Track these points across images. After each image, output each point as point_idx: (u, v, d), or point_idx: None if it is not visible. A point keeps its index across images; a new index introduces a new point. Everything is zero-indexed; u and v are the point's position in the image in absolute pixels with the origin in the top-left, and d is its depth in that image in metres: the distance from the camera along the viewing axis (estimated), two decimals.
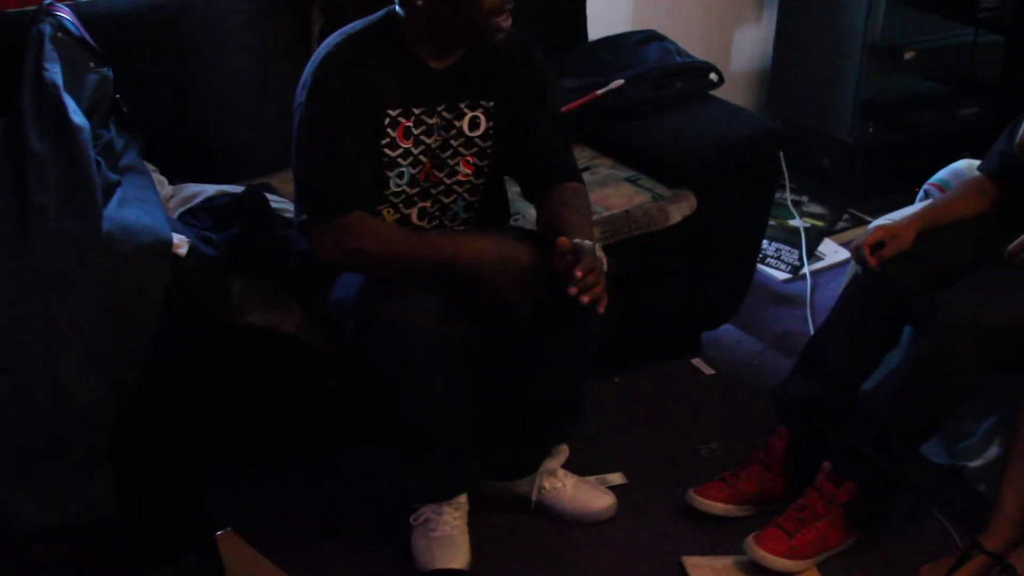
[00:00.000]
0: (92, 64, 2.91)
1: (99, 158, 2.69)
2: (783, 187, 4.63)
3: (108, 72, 2.92)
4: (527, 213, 3.14)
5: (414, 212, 2.84)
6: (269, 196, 3.01)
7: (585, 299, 2.51)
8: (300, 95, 2.67)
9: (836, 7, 4.75)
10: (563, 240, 2.56)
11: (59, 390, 2.49)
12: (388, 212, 2.79)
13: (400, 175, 2.76)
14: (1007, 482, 2.86)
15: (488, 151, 2.85)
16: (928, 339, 2.87)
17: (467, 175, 2.85)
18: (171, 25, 3.21)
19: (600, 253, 2.64)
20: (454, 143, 2.80)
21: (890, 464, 2.92)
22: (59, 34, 2.84)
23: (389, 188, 2.76)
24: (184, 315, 2.64)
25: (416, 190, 2.81)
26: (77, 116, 2.67)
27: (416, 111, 2.73)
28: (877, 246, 3.04)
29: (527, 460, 3.04)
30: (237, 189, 3.03)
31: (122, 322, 2.53)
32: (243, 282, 2.79)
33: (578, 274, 2.50)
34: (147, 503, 2.76)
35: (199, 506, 2.90)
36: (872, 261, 3.01)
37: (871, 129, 4.83)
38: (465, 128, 2.80)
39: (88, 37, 2.96)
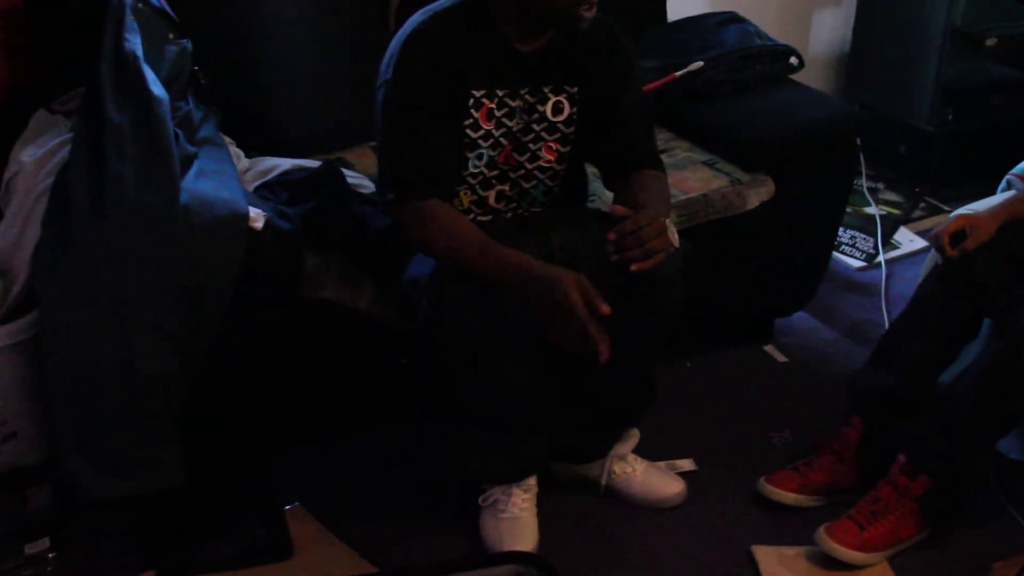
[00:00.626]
0: (171, 36, 2.91)
1: (177, 130, 2.70)
2: (859, 174, 4.58)
3: (187, 44, 2.93)
4: (603, 194, 3.12)
5: (492, 195, 2.82)
6: (345, 171, 3.00)
7: (634, 267, 2.50)
8: (385, 73, 2.66)
9: None
10: (617, 208, 2.56)
11: (129, 362, 2.50)
12: (465, 193, 2.78)
13: (479, 156, 2.74)
14: None
15: (571, 137, 2.83)
16: (1009, 334, 2.82)
17: (549, 161, 2.83)
18: (246, 1, 3.21)
19: (672, 229, 2.62)
20: (536, 127, 2.78)
21: (966, 459, 2.88)
22: (139, 4, 2.84)
23: (467, 169, 2.75)
24: (259, 288, 2.65)
25: (495, 172, 2.79)
26: (156, 87, 2.67)
27: (500, 93, 2.71)
28: (958, 235, 2.99)
29: (597, 444, 3.03)
30: (313, 164, 3.03)
31: (196, 294, 2.54)
32: (317, 257, 2.79)
33: (614, 235, 2.51)
34: (217, 475, 2.78)
35: (268, 480, 2.92)
36: (951, 251, 2.96)
37: (950, 116, 4.78)
38: (548, 112, 2.78)
39: (168, 8, 2.96)
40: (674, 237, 2.61)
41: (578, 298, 2.44)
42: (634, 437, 3.07)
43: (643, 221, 2.51)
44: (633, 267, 2.51)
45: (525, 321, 2.55)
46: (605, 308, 2.45)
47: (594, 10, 2.62)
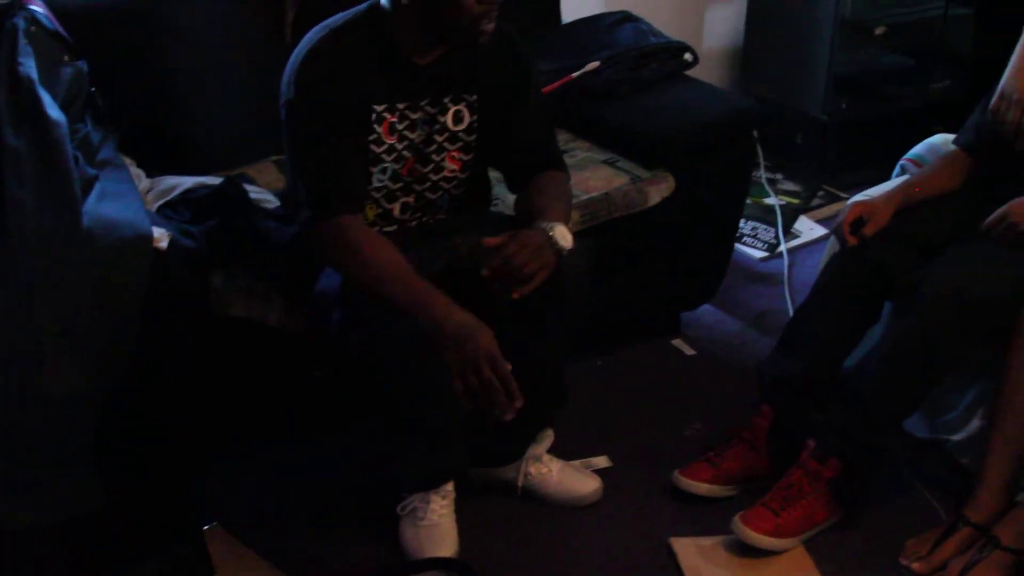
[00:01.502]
0: (66, 57, 2.88)
1: (76, 152, 2.67)
2: (757, 165, 4.63)
3: (83, 65, 2.90)
4: (506, 198, 3.13)
5: (396, 207, 2.83)
6: (247, 187, 3.00)
7: (515, 295, 2.56)
8: (286, 91, 2.65)
9: None
10: (487, 241, 2.59)
11: (40, 387, 2.47)
12: (371, 208, 2.78)
13: (383, 171, 2.75)
14: (990, 454, 2.87)
15: (473, 145, 2.84)
16: (911, 313, 2.88)
17: (453, 171, 2.84)
18: (144, 16, 3.18)
19: (561, 232, 2.64)
20: (438, 138, 2.79)
21: (873, 440, 2.93)
22: (32, 28, 2.80)
23: (372, 184, 2.75)
24: (166, 308, 2.63)
25: (399, 185, 2.80)
26: (53, 110, 2.64)
27: (400, 106, 2.72)
28: (856, 223, 3.05)
29: (513, 446, 3.04)
30: (215, 180, 3.02)
31: (103, 317, 2.52)
32: (225, 274, 2.78)
33: (487, 272, 2.56)
34: (135, 497, 2.75)
35: (187, 499, 2.89)
36: (851, 239, 3.02)
37: (844, 105, 4.84)
38: (449, 123, 2.79)
39: (62, 30, 2.93)
40: (565, 240, 2.63)
41: (485, 365, 2.49)
42: (548, 437, 3.09)
43: (509, 251, 2.54)
44: (514, 295, 2.55)
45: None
46: (514, 403, 2.52)
47: (494, 24, 2.64)
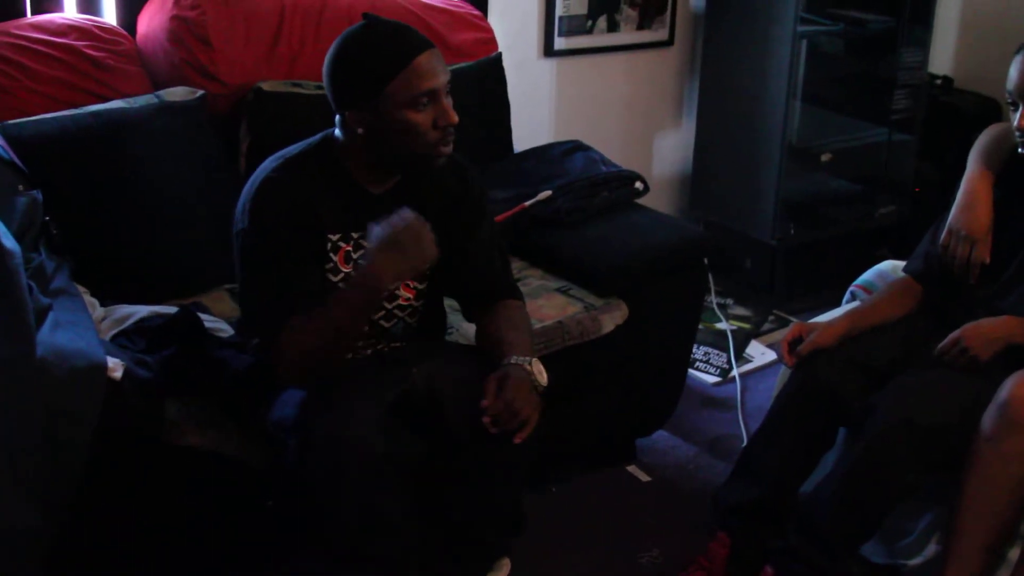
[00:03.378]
0: (21, 187, 2.88)
1: (30, 282, 2.65)
2: (708, 290, 4.67)
3: (37, 195, 2.90)
4: (461, 327, 3.14)
5: None
6: (202, 316, 2.98)
7: (493, 430, 2.58)
8: (240, 221, 2.66)
9: (753, 112, 4.84)
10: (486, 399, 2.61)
11: None
12: None
13: None
14: None
15: (427, 274, 2.85)
16: (863, 441, 2.90)
17: (407, 299, 2.85)
18: (99, 146, 3.19)
19: (538, 369, 2.67)
20: None
21: (831, 566, 2.93)
22: None
23: None
24: (119, 439, 2.60)
25: None
26: (8, 240, 2.63)
27: (355, 235, 2.73)
28: (796, 343, 3.09)
29: (469, 575, 3.01)
30: (170, 310, 3.01)
31: (56, 447, 2.49)
32: (179, 404, 2.76)
33: (486, 420, 2.58)
34: None
35: None
36: (788, 358, 3.06)
37: (792, 230, 4.90)
38: None
39: (16, 159, 2.94)
40: (542, 377, 2.67)
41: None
42: (505, 566, 3.06)
43: (508, 397, 2.57)
44: (516, 439, 2.59)
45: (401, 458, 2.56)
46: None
47: (451, 147, 2.67)
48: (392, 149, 2.65)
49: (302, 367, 2.62)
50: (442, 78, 2.63)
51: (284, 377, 2.64)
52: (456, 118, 2.64)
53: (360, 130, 2.63)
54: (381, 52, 2.59)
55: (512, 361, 2.66)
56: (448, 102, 2.64)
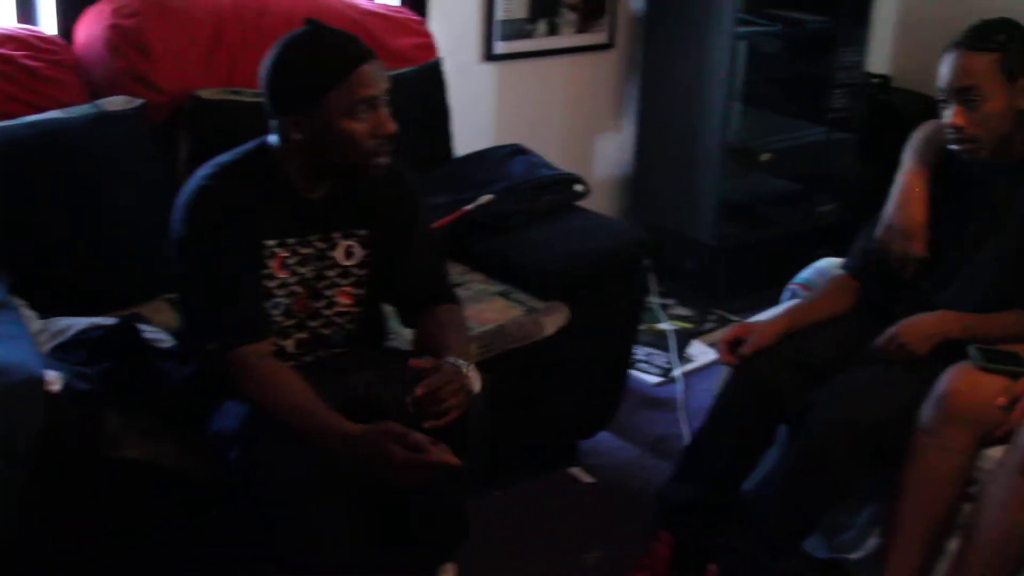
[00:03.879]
0: None
1: None
2: (650, 291, 4.68)
3: None
4: (402, 333, 3.14)
5: (290, 343, 2.83)
6: (142, 327, 2.97)
7: (427, 424, 2.56)
8: (177, 229, 2.66)
9: (692, 113, 4.87)
10: (416, 362, 2.61)
11: None
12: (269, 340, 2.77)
13: (276, 306, 2.75)
14: (888, 572, 2.92)
15: (365, 279, 2.85)
16: (804, 439, 2.93)
17: (346, 305, 2.85)
18: (35, 156, 3.16)
19: (473, 375, 2.67)
20: (329, 273, 2.81)
21: (774, 562, 2.96)
22: None
23: (268, 314, 2.75)
24: (59, 453, 2.59)
25: (292, 322, 2.80)
26: None
27: (290, 241, 2.73)
28: (735, 343, 3.11)
29: None
30: (109, 321, 2.99)
31: None
32: (119, 415, 2.74)
33: (411, 398, 2.56)
34: None
35: None
36: (728, 358, 3.08)
37: (732, 230, 4.93)
38: (340, 258, 2.81)
39: None
40: (476, 384, 2.67)
41: (392, 448, 2.47)
42: (450, 572, 3.06)
43: (438, 383, 2.56)
44: (426, 424, 2.55)
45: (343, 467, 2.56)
46: (435, 452, 2.48)
47: (387, 158, 2.67)
48: (328, 157, 2.65)
49: (240, 395, 2.62)
50: (382, 87, 2.63)
51: (232, 388, 2.64)
52: (394, 128, 2.64)
53: (297, 136, 2.63)
54: (324, 59, 2.59)
55: (449, 361, 2.66)
56: (386, 112, 2.64)
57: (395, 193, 2.85)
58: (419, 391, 2.55)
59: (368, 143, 2.62)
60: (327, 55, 2.60)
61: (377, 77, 2.62)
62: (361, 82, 2.59)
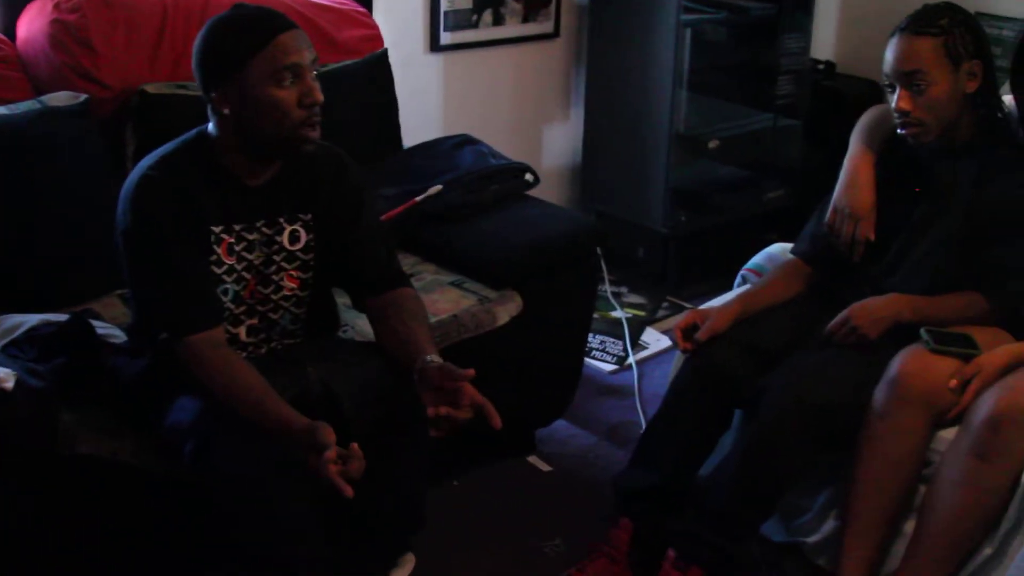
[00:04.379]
0: None
1: None
2: (602, 280, 4.70)
3: None
4: (356, 324, 3.14)
5: (242, 330, 2.82)
6: (94, 322, 2.95)
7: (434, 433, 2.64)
8: (122, 220, 2.65)
9: (640, 101, 4.88)
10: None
11: None
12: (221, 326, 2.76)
13: (225, 292, 2.75)
14: (845, 554, 2.94)
15: (311, 263, 2.85)
16: (758, 422, 2.95)
17: (292, 289, 2.85)
18: None
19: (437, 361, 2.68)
20: (276, 258, 2.80)
21: (733, 546, 2.97)
22: None
23: (219, 300, 2.74)
24: (13, 450, 2.57)
25: (242, 308, 2.80)
26: None
27: (237, 227, 2.73)
28: (690, 330, 3.13)
29: (373, 573, 3.01)
30: (61, 317, 2.96)
31: None
32: (73, 412, 2.72)
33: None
34: None
35: None
36: (684, 344, 3.10)
37: (683, 218, 4.95)
38: (285, 242, 2.80)
39: None
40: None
41: (311, 456, 2.49)
42: (409, 562, 3.06)
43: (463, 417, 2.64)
44: (434, 433, 2.63)
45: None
46: (347, 490, 2.48)
47: (318, 130, 2.67)
48: (258, 130, 2.64)
49: (193, 382, 2.63)
50: (307, 55, 2.63)
51: (185, 377, 2.64)
52: (321, 97, 2.64)
53: (226, 111, 2.63)
54: (245, 29, 2.61)
55: (429, 360, 2.68)
56: (314, 81, 2.65)
57: (337, 178, 2.86)
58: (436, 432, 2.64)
59: (295, 113, 2.62)
60: (248, 25, 2.62)
61: (301, 45, 2.63)
62: (283, 49, 2.60)
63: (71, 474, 2.71)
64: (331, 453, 2.46)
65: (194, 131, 2.74)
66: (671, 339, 3.16)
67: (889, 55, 2.96)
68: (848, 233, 3.09)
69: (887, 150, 3.14)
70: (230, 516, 2.62)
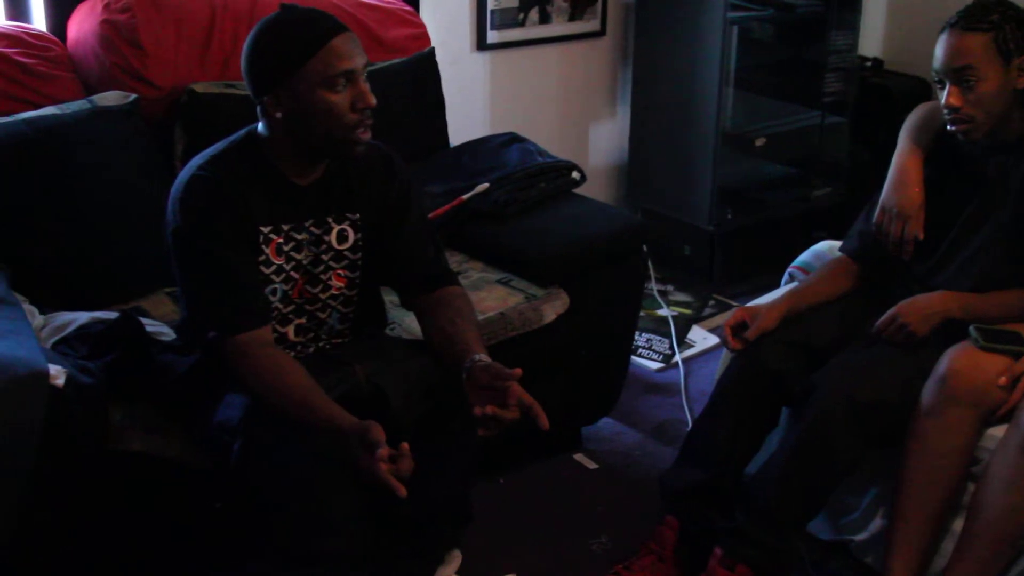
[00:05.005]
0: None
1: None
2: (648, 277, 4.69)
3: None
4: (403, 321, 3.15)
5: (290, 330, 2.83)
6: (143, 320, 2.97)
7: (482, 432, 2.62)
8: (172, 219, 2.66)
9: (686, 99, 4.87)
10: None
11: None
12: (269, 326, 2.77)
13: (274, 292, 2.76)
14: (892, 553, 2.92)
15: (359, 263, 2.86)
16: (806, 420, 2.93)
17: (340, 288, 2.86)
18: (32, 153, 3.16)
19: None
20: (324, 257, 2.81)
21: (779, 544, 2.96)
22: None
23: (267, 300, 2.75)
24: (64, 446, 2.59)
25: (290, 307, 2.81)
26: None
27: (285, 227, 2.74)
28: (739, 327, 3.11)
29: (420, 569, 3.01)
30: (110, 315, 2.99)
31: (1, 459, 2.47)
32: (123, 409, 2.75)
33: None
34: None
35: None
36: (734, 342, 3.09)
37: (729, 215, 4.93)
38: (333, 242, 2.81)
39: None
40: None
41: (363, 455, 2.49)
42: (456, 558, 3.07)
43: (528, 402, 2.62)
44: (481, 432, 2.63)
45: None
46: (400, 489, 2.48)
47: (369, 134, 2.67)
48: (311, 133, 2.65)
49: (243, 385, 2.64)
50: (358, 60, 2.63)
51: (233, 376, 2.65)
52: (374, 101, 2.64)
53: (279, 115, 2.63)
54: (296, 34, 2.61)
55: (477, 359, 2.68)
56: (365, 85, 2.65)
57: (385, 177, 2.86)
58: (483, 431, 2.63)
59: (348, 117, 2.62)
60: (299, 30, 2.61)
61: (352, 50, 2.63)
62: (336, 54, 2.60)
63: (120, 470, 2.73)
64: (383, 452, 2.46)
65: (243, 131, 2.75)
66: (719, 337, 3.14)
67: (939, 51, 2.94)
68: (897, 232, 3.08)
69: (936, 147, 3.12)
70: (277, 512, 2.63)
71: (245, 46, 2.66)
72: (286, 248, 2.75)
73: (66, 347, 2.86)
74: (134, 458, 2.74)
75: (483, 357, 2.69)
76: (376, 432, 2.49)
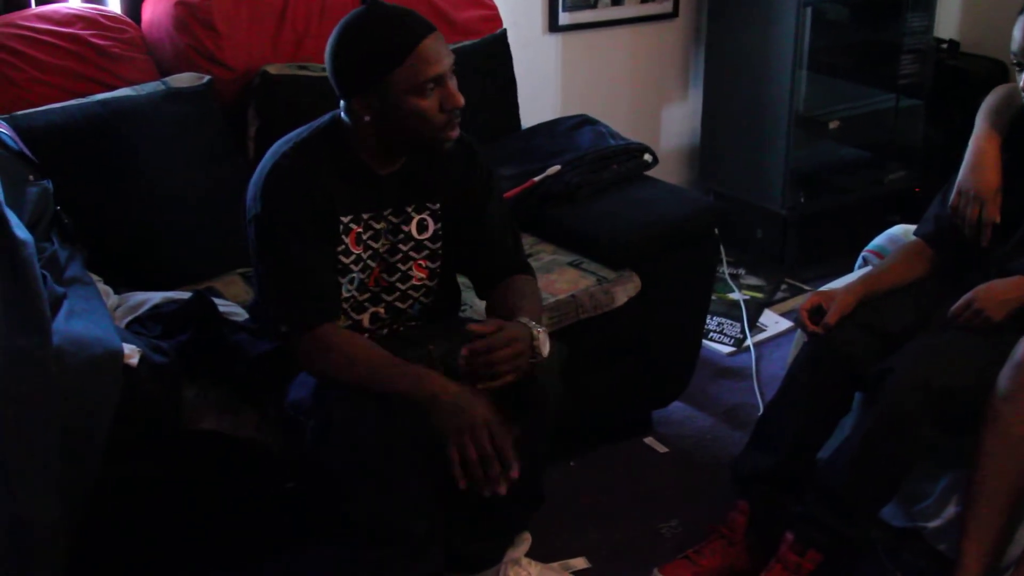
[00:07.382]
0: (31, 177, 2.89)
1: (44, 271, 2.66)
2: (721, 261, 4.67)
3: (48, 184, 2.91)
4: (475, 303, 3.15)
5: (365, 318, 2.84)
6: (216, 300, 2.99)
7: (480, 386, 2.56)
8: (253, 206, 2.66)
9: (759, 81, 4.83)
10: (475, 327, 2.60)
11: (14, 514, 2.42)
12: (340, 321, 2.78)
13: (351, 281, 2.76)
14: (967, 540, 2.88)
15: (439, 253, 2.86)
16: (880, 404, 2.90)
17: (421, 279, 2.86)
18: (107, 133, 3.20)
19: (543, 338, 2.65)
20: (403, 247, 2.81)
21: (851, 530, 2.94)
22: None
23: (340, 295, 2.76)
24: (138, 425, 2.61)
25: (366, 296, 2.81)
26: (20, 230, 2.63)
27: (365, 216, 2.74)
28: (815, 311, 3.09)
29: (490, 551, 3.02)
30: (183, 295, 3.01)
31: (75, 436, 2.48)
32: (196, 388, 2.77)
33: (466, 352, 2.55)
34: None
35: None
36: (811, 326, 3.06)
37: (802, 199, 4.90)
38: (413, 231, 2.81)
39: (26, 150, 2.95)
40: (544, 348, 2.64)
41: (484, 433, 2.49)
42: (526, 541, 3.07)
43: (496, 344, 2.55)
44: (479, 386, 2.55)
45: (420, 436, 2.56)
46: (510, 473, 2.50)
47: (457, 130, 2.67)
48: (400, 135, 2.64)
49: (323, 375, 2.64)
50: (446, 62, 2.61)
51: (308, 370, 2.66)
52: (462, 101, 2.63)
53: (366, 117, 2.62)
54: (383, 39, 2.57)
55: (520, 320, 2.65)
56: (453, 85, 2.63)
57: (466, 166, 2.85)
58: (465, 351, 2.55)
59: (437, 118, 2.61)
60: (386, 34, 2.58)
61: (440, 52, 2.60)
62: (425, 59, 2.57)
63: (193, 449, 2.75)
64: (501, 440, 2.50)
65: (327, 117, 2.74)
66: (794, 321, 3.11)
67: (1017, 32, 2.90)
68: (973, 215, 3.04)
69: (1013, 130, 3.08)
70: (350, 493, 2.64)
71: (330, 45, 2.64)
72: (365, 237, 2.75)
73: (140, 327, 2.89)
74: (207, 437, 2.76)
75: (528, 321, 2.65)
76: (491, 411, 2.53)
